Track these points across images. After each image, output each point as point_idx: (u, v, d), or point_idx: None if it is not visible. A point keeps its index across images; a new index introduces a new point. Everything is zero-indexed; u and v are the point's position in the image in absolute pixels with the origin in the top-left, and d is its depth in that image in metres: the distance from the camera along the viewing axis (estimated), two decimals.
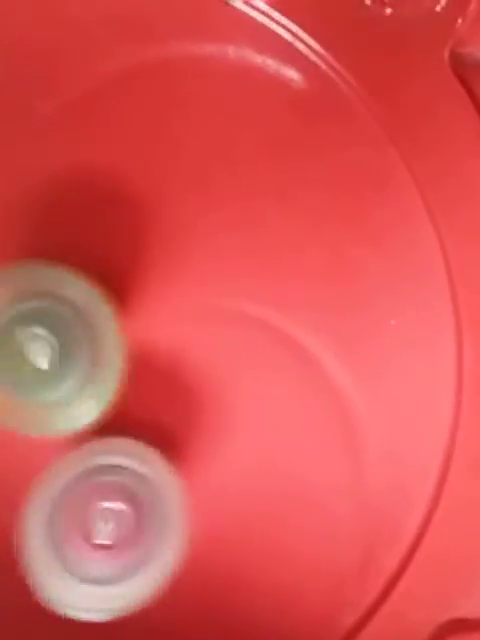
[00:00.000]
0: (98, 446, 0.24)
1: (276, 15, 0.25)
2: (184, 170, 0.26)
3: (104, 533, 0.23)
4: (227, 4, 0.25)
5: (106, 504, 0.23)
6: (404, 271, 0.26)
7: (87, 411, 0.23)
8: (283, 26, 0.25)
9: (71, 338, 0.23)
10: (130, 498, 0.23)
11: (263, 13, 0.25)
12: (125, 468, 0.23)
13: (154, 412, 0.26)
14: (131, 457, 0.23)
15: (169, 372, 0.26)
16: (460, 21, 0.25)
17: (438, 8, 0.25)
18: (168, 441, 0.26)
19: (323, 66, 0.26)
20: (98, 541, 0.23)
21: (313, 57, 0.26)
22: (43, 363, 0.22)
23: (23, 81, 0.25)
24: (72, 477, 0.23)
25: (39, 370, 0.22)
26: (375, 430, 0.26)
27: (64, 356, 0.23)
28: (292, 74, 0.26)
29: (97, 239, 0.26)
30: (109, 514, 0.23)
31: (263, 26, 0.25)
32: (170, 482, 0.23)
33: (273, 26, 0.25)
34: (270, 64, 0.26)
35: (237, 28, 0.25)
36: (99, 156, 0.25)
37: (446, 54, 0.25)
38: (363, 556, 0.26)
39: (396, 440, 0.26)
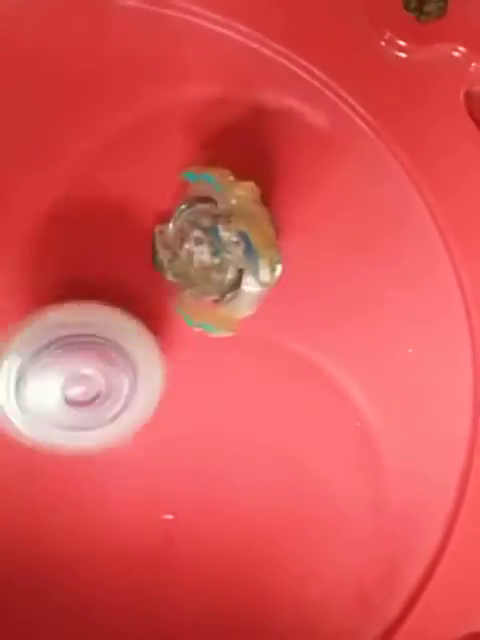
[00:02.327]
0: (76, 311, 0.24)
1: (297, 59, 0.26)
2: None
3: (76, 394, 0.24)
4: (249, 48, 0.26)
5: (79, 370, 0.24)
6: (422, 302, 0.27)
7: (253, 291, 0.24)
8: (305, 69, 0.26)
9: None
10: (103, 365, 0.24)
11: (285, 56, 0.26)
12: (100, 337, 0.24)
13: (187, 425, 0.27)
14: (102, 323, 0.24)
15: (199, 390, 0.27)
16: (474, 64, 0.26)
17: (456, 53, 0.26)
18: (203, 456, 0.27)
19: (344, 107, 0.26)
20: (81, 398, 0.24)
21: (334, 99, 0.26)
22: (206, 258, 0.24)
23: (53, 123, 0.26)
24: (46, 342, 0.24)
25: (205, 268, 0.24)
26: (395, 449, 0.27)
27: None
28: (315, 115, 0.26)
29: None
30: (81, 379, 0.24)
31: (285, 68, 0.26)
32: (144, 342, 0.24)
33: (294, 68, 0.26)
34: (291, 103, 0.26)
35: (259, 70, 0.26)
36: (130, 185, 0.26)
37: (462, 95, 0.26)
38: (385, 573, 0.27)
39: (415, 459, 0.27)
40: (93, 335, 0.24)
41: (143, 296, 0.26)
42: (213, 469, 0.27)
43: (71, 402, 0.24)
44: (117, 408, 0.24)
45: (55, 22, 0.26)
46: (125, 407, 0.24)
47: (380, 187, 0.27)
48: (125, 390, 0.24)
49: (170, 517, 0.26)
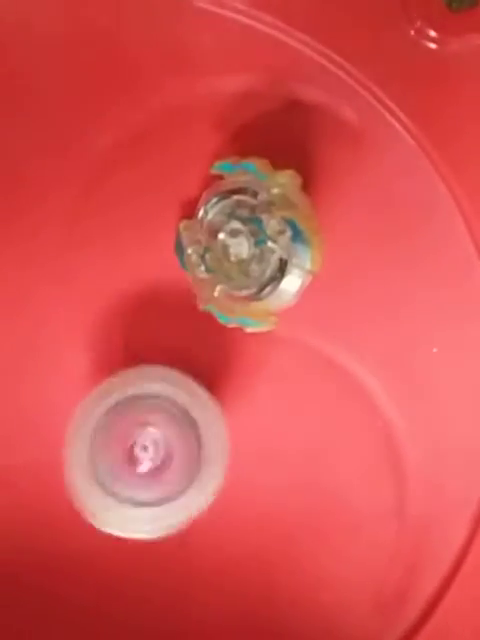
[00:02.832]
0: (135, 374, 0.24)
1: (324, 50, 0.26)
2: None
3: (145, 459, 0.24)
4: (280, 41, 0.26)
5: (147, 431, 0.24)
6: (450, 302, 0.26)
7: (295, 281, 0.24)
8: (332, 60, 0.26)
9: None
10: (170, 425, 0.24)
11: (314, 49, 0.26)
12: (165, 397, 0.24)
13: None
14: (170, 385, 0.24)
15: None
16: None
17: None
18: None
19: (372, 100, 0.26)
20: (141, 467, 0.24)
21: (362, 91, 0.26)
22: (244, 250, 0.24)
23: (79, 115, 0.26)
24: (110, 406, 0.24)
25: (243, 261, 0.24)
26: (418, 452, 0.26)
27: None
28: (342, 108, 0.26)
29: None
30: (149, 440, 0.24)
31: (314, 61, 0.26)
32: (210, 412, 0.24)
33: (323, 61, 0.26)
34: (321, 96, 0.26)
35: (290, 63, 0.26)
36: (156, 179, 0.26)
37: None
38: (404, 578, 0.27)
39: (439, 463, 0.26)
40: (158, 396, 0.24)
41: (164, 291, 0.25)
42: (232, 468, 0.26)
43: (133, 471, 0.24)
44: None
45: (81, 13, 0.26)
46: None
47: (409, 183, 0.26)
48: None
49: None
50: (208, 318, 0.25)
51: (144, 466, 0.24)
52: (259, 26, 0.26)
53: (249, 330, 0.25)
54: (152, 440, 0.24)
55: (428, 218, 0.26)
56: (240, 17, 0.26)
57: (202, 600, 0.26)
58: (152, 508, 0.24)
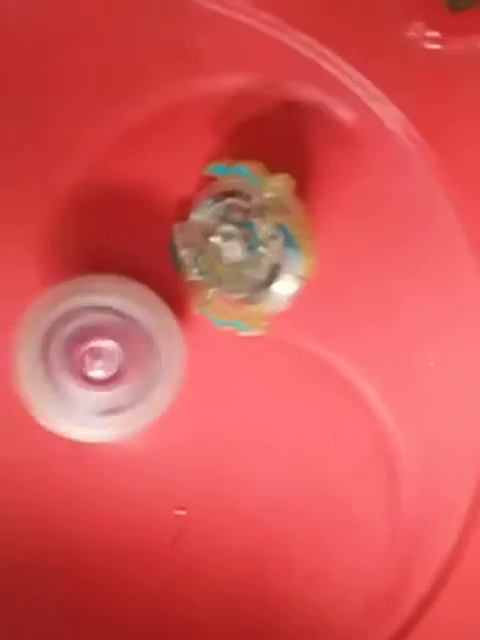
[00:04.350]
0: (90, 284, 0.24)
1: (322, 49, 0.25)
2: None
3: (95, 369, 0.24)
4: (276, 40, 0.25)
5: (96, 343, 0.24)
6: (446, 307, 0.26)
7: (287, 286, 0.24)
8: (330, 60, 0.25)
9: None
10: (122, 337, 0.24)
11: (311, 48, 0.25)
12: (121, 308, 0.24)
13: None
14: (126, 298, 0.24)
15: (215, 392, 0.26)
16: None
17: None
18: (218, 454, 0.26)
19: (368, 100, 0.26)
20: (90, 375, 0.24)
21: (359, 91, 0.26)
22: (237, 254, 0.23)
23: (75, 113, 0.25)
24: (63, 313, 0.24)
25: (235, 264, 0.24)
26: (411, 456, 0.26)
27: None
28: (339, 107, 0.26)
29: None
30: (99, 352, 0.24)
31: (311, 60, 0.25)
32: (166, 325, 0.24)
33: (320, 61, 0.25)
34: (318, 97, 0.26)
35: (286, 63, 0.25)
36: (151, 180, 0.26)
37: None
38: (396, 580, 0.27)
39: (432, 467, 0.26)
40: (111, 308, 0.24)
41: (160, 294, 0.25)
42: (226, 468, 0.26)
43: (89, 380, 0.24)
44: (135, 392, 0.24)
45: (78, 10, 0.25)
46: (141, 395, 0.24)
47: (406, 186, 0.26)
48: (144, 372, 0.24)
49: (182, 513, 0.26)
50: None
51: (95, 374, 0.24)
52: (257, 25, 0.25)
53: (242, 334, 0.25)
54: (104, 350, 0.24)
55: (425, 222, 0.26)
56: (238, 15, 0.25)
57: (193, 597, 0.26)
58: (102, 417, 0.24)
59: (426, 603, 0.27)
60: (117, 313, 0.24)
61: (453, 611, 0.27)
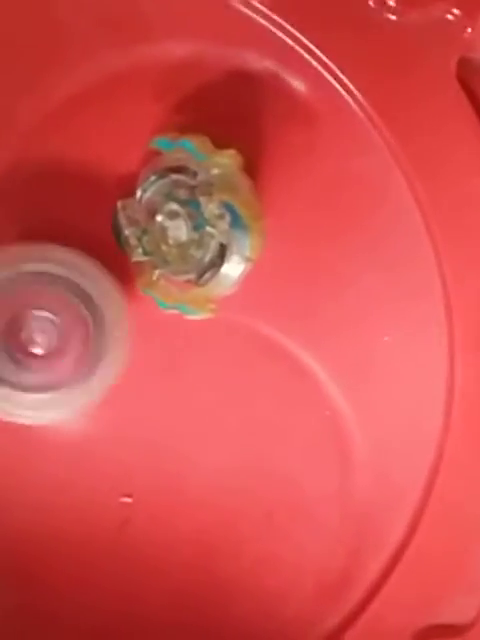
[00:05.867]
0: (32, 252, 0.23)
1: (277, 19, 0.24)
2: None
3: (34, 342, 0.23)
4: (228, 6, 0.24)
5: (34, 313, 0.23)
6: (400, 287, 0.25)
7: (235, 268, 0.23)
8: (284, 30, 0.24)
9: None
10: (62, 310, 0.23)
11: (264, 16, 0.24)
12: (61, 277, 0.23)
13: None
14: (68, 267, 0.23)
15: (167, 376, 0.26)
16: (469, 29, 0.24)
17: (449, 16, 0.24)
18: (166, 437, 0.26)
19: (324, 72, 0.25)
20: (30, 351, 0.23)
21: (314, 63, 0.25)
22: (183, 234, 0.23)
23: (8, 84, 0.24)
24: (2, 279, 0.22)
25: (181, 245, 0.23)
26: (364, 441, 0.26)
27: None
28: (293, 79, 0.25)
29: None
30: (37, 323, 0.23)
31: (264, 29, 0.24)
32: (110, 296, 0.23)
33: (274, 30, 0.24)
34: (271, 68, 0.25)
35: (238, 31, 0.24)
36: (92, 153, 0.25)
37: (453, 63, 0.25)
38: (347, 562, 0.26)
39: (385, 449, 0.26)
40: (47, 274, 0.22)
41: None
42: (174, 451, 0.26)
43: (26, 354, 0.22)
44: (76, 371, 0.22)
45: None
46: (82, 374, 0.22)
47: (360, 163, 0.25)
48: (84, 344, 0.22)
49: (128, 500, 0.26)
50: None
51: (33, 349, 0.23)
52: None
53: (189, 317, 0.24)
54: (44, 324, 0.23)
55: (379, 200, 0.25)
56: None
57: (142, 582, 0.26)
58: (39, 394, 0.23)
59: (377, 585, 0.27)
60: (55, 281, 0.23)
61: (404, 593, 0.27)
